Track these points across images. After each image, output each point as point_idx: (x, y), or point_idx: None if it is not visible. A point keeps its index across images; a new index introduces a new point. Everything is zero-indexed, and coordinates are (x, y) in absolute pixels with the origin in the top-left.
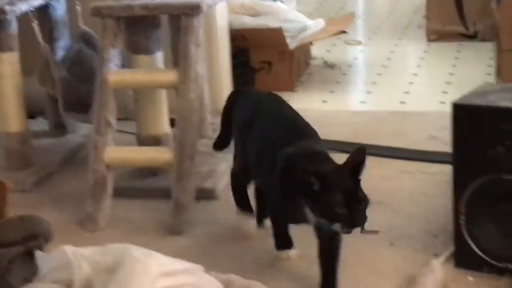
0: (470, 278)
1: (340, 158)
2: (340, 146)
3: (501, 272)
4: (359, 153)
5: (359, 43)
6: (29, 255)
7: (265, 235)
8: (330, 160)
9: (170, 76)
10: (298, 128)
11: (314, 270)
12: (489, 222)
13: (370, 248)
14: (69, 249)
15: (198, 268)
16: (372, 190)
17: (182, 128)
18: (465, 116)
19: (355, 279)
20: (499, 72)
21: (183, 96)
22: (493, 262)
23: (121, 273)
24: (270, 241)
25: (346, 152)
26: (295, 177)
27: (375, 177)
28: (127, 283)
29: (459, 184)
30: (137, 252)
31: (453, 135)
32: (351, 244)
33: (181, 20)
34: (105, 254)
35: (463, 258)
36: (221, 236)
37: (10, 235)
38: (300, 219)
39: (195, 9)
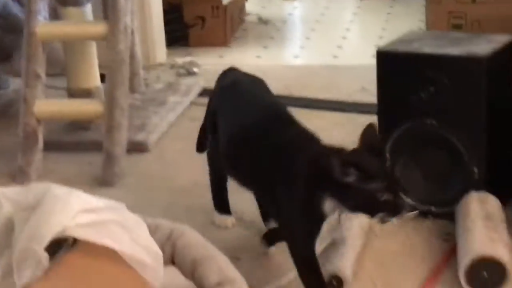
0: (394, 221)
1: None
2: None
3: (424, 214)
4: (370, 131)
5: None
6: None
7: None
8: (338, 147)
9: (99, 27)
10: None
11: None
12: (412, 166)
13: None
14: None
15: (121, 206)
16: None
17: (112, 80)
18: (389, 62)
19: None
20: (428, 24)
21: (112, 47)
22: (417, 205)
23: (41, 210)
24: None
25: None
26: (322, 175)
27: (308, 124)
28: (46, 220)
29: (384, 130)
30: (58, 190)
31: (378, 83)
32: None
33: None
34: (27, 193)
35: None
36: (153, 188)
37: None
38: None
39: None
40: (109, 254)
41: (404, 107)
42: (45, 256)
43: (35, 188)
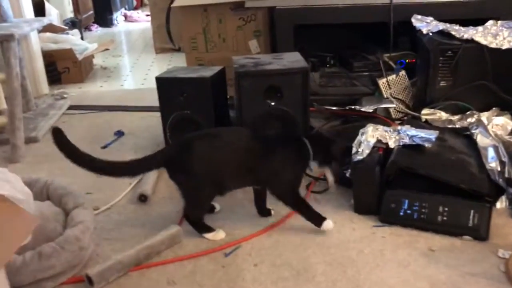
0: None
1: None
2: (109, 107)
3: None
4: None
5: (119, 55)
6: None
7: None
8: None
9: (0, 76)
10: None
11: None
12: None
13: (124, 156)
14: None
15: (4, 170)
16: (126, 128)
17: (11, 104)
18: (163, 83)
19: None
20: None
21: (10, 85)
22: None
23: None
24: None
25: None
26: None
27: (127, 121)
28: None
29: (164, 118)
30: None
31: (159, 95)
32: None
33: (4, 44)
34: None
35: None
36: (41, 162)
37: None
38: None
39: (10, 37)
40: None
41: (173, 105)
42: None
43: None
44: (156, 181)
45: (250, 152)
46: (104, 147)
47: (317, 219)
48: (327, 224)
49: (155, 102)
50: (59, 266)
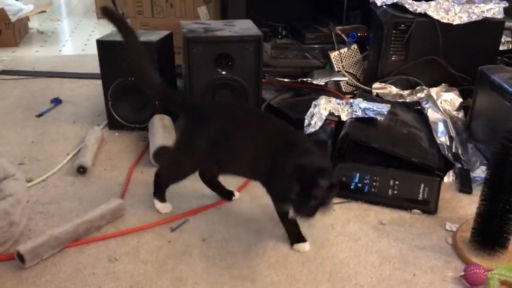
0: (117, 134)
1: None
2: (46, 74)
3: (132, 128)
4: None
5: (58, 19)
6: None
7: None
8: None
9: None
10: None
11: None
12: (123, 103)
13: (61, 125)
14: None
15: None
16: (65, 96)
17: None
18: (104, 46)
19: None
20: None
21: None
22: (128, 124)
23: None
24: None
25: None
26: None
27: (66, 88)
28: None
29: (106, 85)
30: None
31: (100, 60)
32: None
33: None
34: None
35: (112, 124)
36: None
37: None
38: None
39: None
40: None
41: (115, 71)
42: None
43: None
44: (96, 152)
45: (268, 148)
46: (39, 115)
47: (296, 238)
48: (302, 246)
49: (97, 69)
50: None
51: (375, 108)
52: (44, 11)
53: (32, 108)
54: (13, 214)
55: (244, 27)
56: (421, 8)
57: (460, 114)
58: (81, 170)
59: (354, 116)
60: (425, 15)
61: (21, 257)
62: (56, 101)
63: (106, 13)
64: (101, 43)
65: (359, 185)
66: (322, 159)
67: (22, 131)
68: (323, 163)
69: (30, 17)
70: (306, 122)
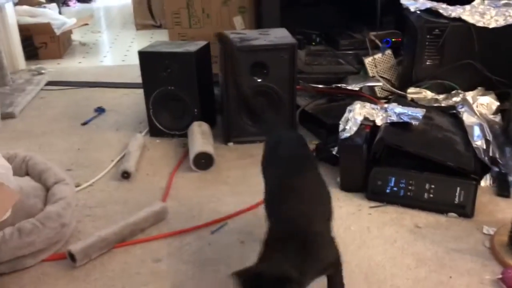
0: (157, 140)
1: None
2: (89, 84)
3: (172, 135)
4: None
5: (99, 31)
6: None
7: (47, 133)
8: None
9: None
10: None
11: None
12: (163, 111)
13: (105, 132)
14: None
15: None
16: (107, 104)
17: None
18: (145, 57)
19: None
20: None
21: None
22: (168, 131)
23: None
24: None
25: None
26: None
27: (109, 98)
28: None
29: (147, 94)
30: None
31: (141, 69)
32: None
33: None
34: None
35: (153, 131)
36: (19, 137)
37: None
38: None
39: None
40: None
41: (156, 80)
42: None
43: None
44: (138, 158)
45: None
46: (84, 123)
47: None
48: None
49: (137, 79)
50: (39, 243)
51: (410, 113)
52: (87, 24)
53: (77, 117)
54: (65, 216)
55: (279, 35)
56: (455, 12)
57: (497, 118)
58: (125, 175)
59: (389, 121)
60: (459, 19)
61: (72, 257)
62: (100, 110)
63: (220, 40)
64: (142, 54)
65: (395, 189)
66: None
67: (68, 138)
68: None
69: (73, 30)
70: (341, 127)
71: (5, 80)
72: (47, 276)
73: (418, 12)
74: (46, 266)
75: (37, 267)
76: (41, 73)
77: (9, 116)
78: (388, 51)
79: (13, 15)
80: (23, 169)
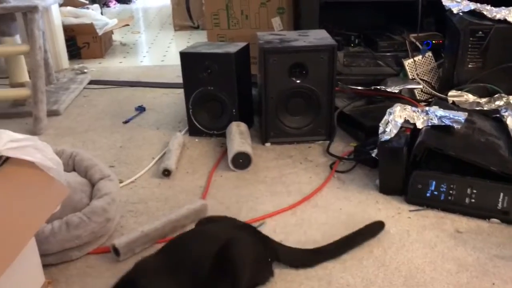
0: (196, 139)
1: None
2: (130, 83)
3: (210, 135)
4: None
5: (138, 32)
6: None
7: (89, 132)
8: None
9: (24, 47)
10: None
11: None
12: (203, 111)
13: (146, 131)
14: None
15: (35, 138)
16: (148, 103)
17: (34, 76)
18: (187, 58)
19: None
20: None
21: (33, 58)
22: (206, 131)
23: None
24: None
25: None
26: None
27: (149, 97)
28: None
29: (187, 94)
30: None
31: (182, 69)
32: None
33: (27, 15)
34: None
35: (192, 130)
36: (63, 134)
37: None
38: None
39: (34, 8)
40: (28, 164)
41: (196, 81)
42: None
43: None
44: (178, 157)
45: None
46: (126, 122)
47: None
48: None
49: (176, 79)
50: (85, 237)
51: (451, 116)
52: (127, 25)
53: (119, 115)
54: (109, 211)
55: (318, 37)
56: (500, 14)
57: None
58: (166, 173)
59: (430, 124)
60: (504, 21)
61: (116, 251)
62: (140, 109)
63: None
64: (183, 55)
65: (435, 193)
66: None
67: (111, 136)
68: None
69: (113, 30)
70: (381, 129)
71: (50, 79)
72: (92, 268)
73: (461, 13)
74: (91, 259)
75: (82, 260)
76: (84, 72)
77: (54, 113)
78: (429, 53)
79: (58, 16)
80: (70, 164)
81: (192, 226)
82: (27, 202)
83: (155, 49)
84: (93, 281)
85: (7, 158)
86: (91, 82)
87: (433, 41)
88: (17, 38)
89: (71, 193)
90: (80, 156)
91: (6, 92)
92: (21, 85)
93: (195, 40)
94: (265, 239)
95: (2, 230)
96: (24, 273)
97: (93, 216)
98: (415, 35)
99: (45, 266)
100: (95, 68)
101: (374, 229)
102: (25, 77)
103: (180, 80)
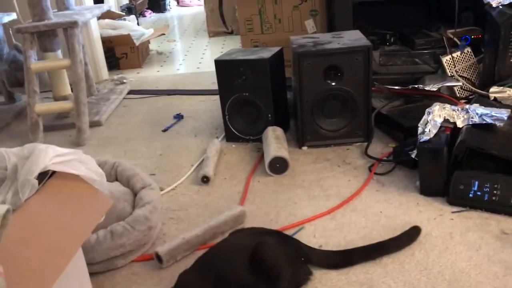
0: (233, 145)
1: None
2: (168, 92)
3: (247, 140)
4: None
5: (174, 40)
6: None
7: (130, 140)
8: None
9: (66, 62)
10: None
11: None
12: (238, 117)
13: (184, 138)
14: (2, 150)
15: (79, 151)
16: (185, 111)
17: (76, 89)
18: (222, 65)
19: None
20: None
21: (74, 71)
22: (243, 136)
23: (31, 157)
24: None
25: (171, 94)
26: None
27: (186, 104)
28: (34, 162)
29: (223, 100)
30: (41, 146)
31: (217, 77)
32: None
33: (68, 31)
34: (24, 149)
35: (229, 136)
36: (105, 144)
37: None
38: None
39: (74, 24)
40: (73, 177)
41: (231, 87)
42: (36, 182)
43: (28, 146)
44: (216, 163)
45: None
46: (165, 130)
47: None
48: None
49: (212, 86)
50: (129, 245)
51: (493, 114)
52: (163, 34)
53: (158, 124)
54: (151, 219)
55: (353, 38)
56: None
57: None
58: (205, 180)
59: (470, 123)
60: None
61: (159, 258)
62: (178, 117)
63: None
64: (218, 63)
65: (478, 193)
66: None
67: (151, 145)
68: None
69: (150, 40)
70: (420, 129)
71: (91, 91)
72: (137, 276)
73: (501, 6)
74: (136, 267)
75: (127, 267)
76: (123, 83)
77: (96, 124)
78: (468, 49)
79: (97, 29)
80: (112, 175)
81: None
82: (74, 213)
83: (191, 56)
84: None
85: (54, 172)
86: (130, 92)
87: (472, 36)
88: (59, 53)
89: (114, 203)
90: (122, 166)
91: (50, 106)
92: (64, 98)
93: (229, 45)
94: (294, 242)
95: (52, 241)
96: (73, 282)
97: (136, 224)
98: (452, 30)
99: (92, 274)
100: (133, 78)
101: (411, 235)
102: (68, 90)
103: (216, 86)
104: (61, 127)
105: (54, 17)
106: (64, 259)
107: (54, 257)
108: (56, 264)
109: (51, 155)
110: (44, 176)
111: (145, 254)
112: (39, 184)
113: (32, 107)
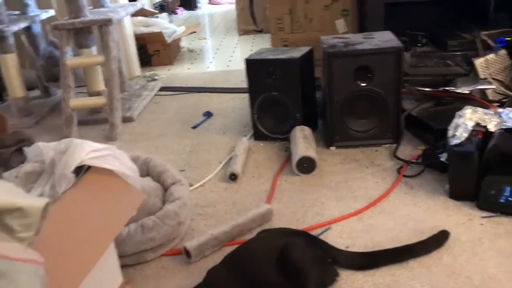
0: (261, 144)
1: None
2: (198, 89)
3: (274, 139)
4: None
5: (205, 38)
6: (20, 150)
7: (162, 136)
8: None
9: (100, 58)
10: None
11: None
12: (267, 116)
13: (213, 135)
14: (40, 144)
15: (113, 147)
16: (214, 109)
17: (109, 85)
18: (252, 64)
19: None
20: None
21: (108, 68)
22: (271, 135)
23: (68, 152)
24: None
25: (201, 91)
26: None
27: (215, 102)
28: (71, 156)
29: (252, 99)
30: (77, 141)
31: (247, 76)
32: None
33: (102, 28)
34: (60, 144)
35: (257, 135)
36: (137, 140)
37: (9, 141)
38: None
39: (108, 21)
40: (108, 172)
41: (260, 86)
42: (72, 176)
43: (65, 141)
44: (244, 161)
45: None
46: (194, 127)
47: None
48: None
49: (241, 84)
50: (159, 239)
51: None
52: (194, 32)
53: (188, 121)
54: (181, 215)
55: (384, 39)
56: None
57: None
58: (233, 177)
59: (503, 127)
60: None
61: (187, 253)
62: (208, 114)
63: None
64: (249, 62)
65: (510, 199)
66: None
67: (181, 141)
68: None
69: (181, 37)
70: (450, 133)
71: (123, 87)
72: (166, 269)
73: None
74: (165, 261)
75: (157, 261)
76: (155, 79)
77: (128, 120)
78: (502, 51)
79: (130, 26)
80: (144, 170)
81: (259, 229)
82: (107, 207)
83: (221, 54)
84: (167, 282)
85: (89, 167)
86: (162, 88)
87: (507, 38)
88: (94, 49)
89: (145, 198)
90: (154, 162)
91: (84, 101)
92: (98, 93)
93: (258, 43)
94: (321, 243)
95: (86, 233)
96: (105, 273)
97: (166, 219)
98: (486, 32)
99: (123, 266)
100: (165, 74)
101: (439, 239)
102: (101, 86)
103: (245, 84)
104: (94, 121)
105: (90, 14)
106: (97, 251)
107: (88, 249)
108: (90, 255)
109: (87, 150)
110: (80, 170)
111: (174, 249)
112: (75, 178)
113: (67, 102)
